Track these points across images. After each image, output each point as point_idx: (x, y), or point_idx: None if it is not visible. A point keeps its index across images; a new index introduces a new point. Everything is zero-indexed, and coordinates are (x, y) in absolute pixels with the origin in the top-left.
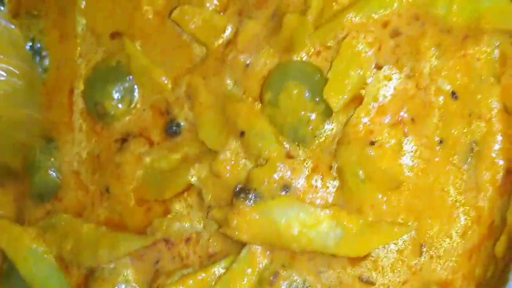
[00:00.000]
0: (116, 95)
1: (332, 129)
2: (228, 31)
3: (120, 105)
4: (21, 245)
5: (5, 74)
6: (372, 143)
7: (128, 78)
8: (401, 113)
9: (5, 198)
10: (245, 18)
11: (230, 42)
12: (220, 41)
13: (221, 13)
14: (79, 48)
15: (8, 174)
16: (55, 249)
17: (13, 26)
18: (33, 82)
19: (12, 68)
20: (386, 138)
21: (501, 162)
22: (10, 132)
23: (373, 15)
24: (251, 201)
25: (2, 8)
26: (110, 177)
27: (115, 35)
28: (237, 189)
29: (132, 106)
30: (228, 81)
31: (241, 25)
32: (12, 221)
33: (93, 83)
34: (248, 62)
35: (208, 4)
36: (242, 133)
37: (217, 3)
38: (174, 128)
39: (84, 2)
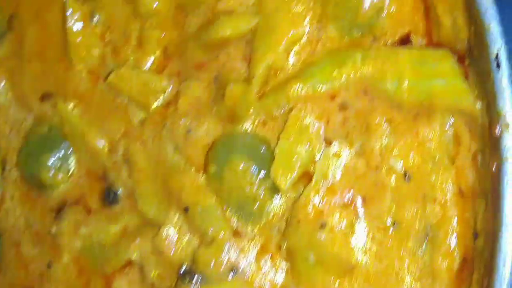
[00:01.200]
0: (52, 166)
1: (281, 205)
2: (168, 91)
3: (58, 176)
4: None
5: None
6: (323, 226)
7: (62, 145)
8: (352, 193)
9: None
10: (186, 80)
11: (170, 104)
12: (159, 102)
13: (159, 74)
14: (5, 125)
15: None
16: None
17: None
18: None
19: None
20: (337, 219)
21: (457, 249)
22: None
23: (320, 87)
24: (197, 284)
25: None
26: (49, 250)
27: (45, 97)
28: (182, 271)
29: (69, 174)
30: (169, 148)
31: (182, 87)
32: None
33: (26, 155)
34: (189, 128)
35: (144, 65)
36: (186, 208)
37: (155, 62)
38: (112, 196)
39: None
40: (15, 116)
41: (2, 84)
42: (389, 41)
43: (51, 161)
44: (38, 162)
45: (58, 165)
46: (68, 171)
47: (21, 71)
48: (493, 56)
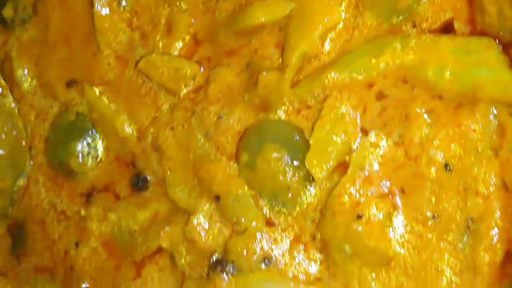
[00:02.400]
0: (80, 153)
1: (315, 195)
2: (198, 77)
3: (87, 163)
4: None
5: None
6: (359, 217)
7: (90, 131)
8: (390, 184)
9: None
10: (216, 66)
11: (200, 90)
12: (189, 88)
13: (189, 59)
14: (31, 112)
15: None
16: None
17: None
18: (19, 151)
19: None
20: (374, 211)
21: (500, 244)
22: None
23: (357, 75)
24: (229, 274)
25: None
26: (76, 230)
27: (71, 84)
28: (214, 260)
29: (98, 160)
30: (199, 135)
31: (212, 73)
32: None
33: (54, 143)
34: (220, 115)
35: (174, 51)
36: (217, 197)
37: (184, 48)
38: (141, 183)
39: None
40: (40, 103)
41: (26, 71)
42: (431, 28)
43: (79, 148)
44: (66, 150)
45: (86, 152)
46: (97, 157)
47: (46, 58)
48: None
